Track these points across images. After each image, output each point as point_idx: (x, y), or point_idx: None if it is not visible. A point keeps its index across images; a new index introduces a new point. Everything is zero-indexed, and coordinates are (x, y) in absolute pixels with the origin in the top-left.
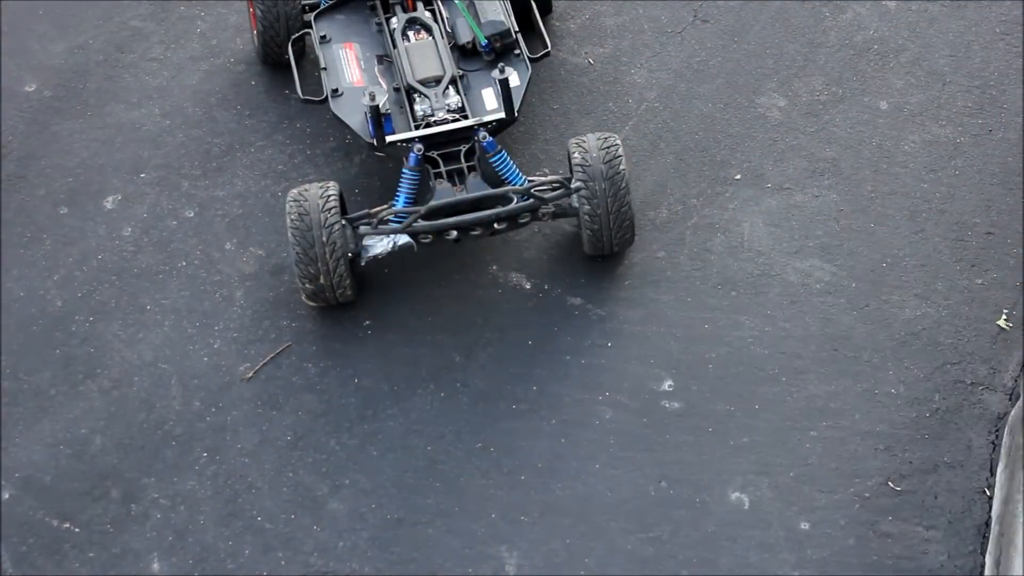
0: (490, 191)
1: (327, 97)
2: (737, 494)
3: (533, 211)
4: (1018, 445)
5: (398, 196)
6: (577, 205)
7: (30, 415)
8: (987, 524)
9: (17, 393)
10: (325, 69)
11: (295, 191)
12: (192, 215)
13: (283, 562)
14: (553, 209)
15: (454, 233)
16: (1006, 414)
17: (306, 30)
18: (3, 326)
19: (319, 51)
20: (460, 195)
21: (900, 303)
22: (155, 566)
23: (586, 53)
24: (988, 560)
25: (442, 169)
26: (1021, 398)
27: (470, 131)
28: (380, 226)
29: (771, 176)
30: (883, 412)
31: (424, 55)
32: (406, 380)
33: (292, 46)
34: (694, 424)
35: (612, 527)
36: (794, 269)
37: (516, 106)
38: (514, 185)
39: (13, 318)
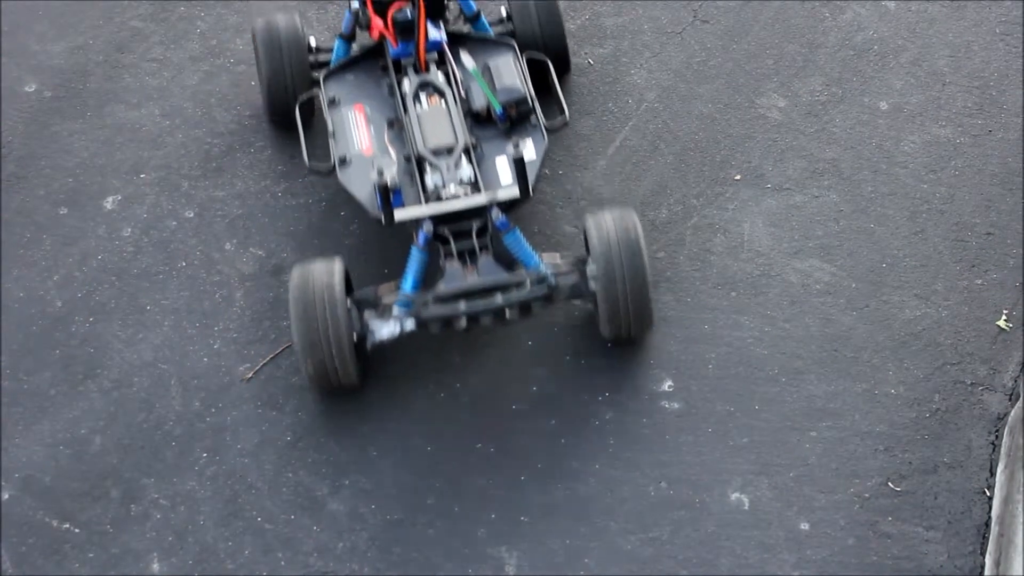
0: (503, 277)
1: (334, 167)
2: (737, 494)
3: (547, 298)
4: (1018, 445)
5: (406, 276)
6: (594, 288)
7: (30, 415)
8: (987, 524)
9: (17, 393)
10: (333, 135)
11: (299, 269)
12: (192, 215)
13: (283, 562)
14: (568, 294)
15: (463, 322)
16: (1006, 414)
17: (314, 91)
18: (3, 326)
19: (327, 115)
20: (471, 279)
21: (900, 303)
22: (155, 566)
23: (586, 53)
24: (988, 560)
25: (452, 248)
26: (1021, 398)
27: (483, 207)
28: (387, 314)
29: (771, 176)
30: (883, 412)
31: (436, 122)
32: (406, 380)
33: (300, 108)
34: (694, 424)
35: (612, 527)
36: (794, 269)
37: (532, 182)
38: (528, 268)
39: (13, 318)
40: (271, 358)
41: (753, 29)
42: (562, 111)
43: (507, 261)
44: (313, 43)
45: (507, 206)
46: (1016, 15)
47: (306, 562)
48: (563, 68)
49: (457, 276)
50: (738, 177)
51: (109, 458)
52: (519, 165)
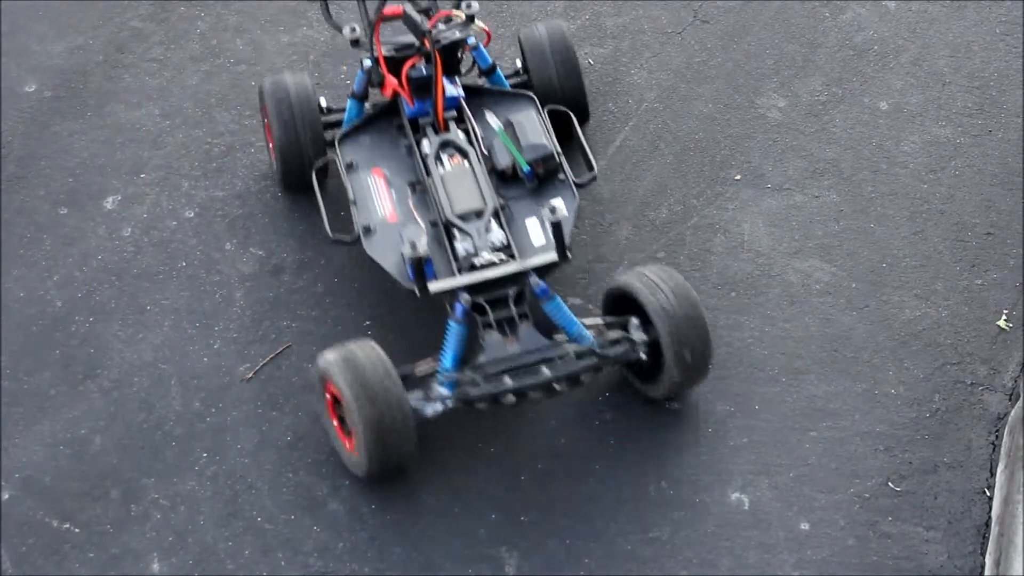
0: (549, 350)
1: (359, 236)
2: (737, 494)
3: (597, 369)
4: (1018, 445)
5: (445, 352)
6: (644, 355)
7: (30, 415)
8: (987, 524)
9: (17, 393)
10: (354, 203)
11: (332, 350)
12: (192, 215)
13: (283, 562)
14: (617, 362)
15: (511, 398)
16: (1006, 414)
17: (329, 156)
18: (3, 326)
19: (346, 181)
20: (512, 349)
21: (900, 303)
22: (155, 566)
23: (586, 53)
24: (988, 560)
25: (491, 318)
26: (1021, 398)
27: (519, 272)
28: (432, 395)
29: (771, 176)
30: (883, 412)
31: (462, 185)
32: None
33: (316, 174)
34: (694, 424)
35: (612, 527)
36: (794, 269)
37: (567, 242)
38: (570, 332)
39: (13, 318)
40: (271, 358)
41: (753, 29)
42: (589, 165)
43: (545, 326)
44: (324, 103)
45: (543, 270)
46: (1016, 15)
47: (306, 562)
48: (582, 117)
49: (498, 348)
50: (738, 177)
51: (109, 458)
52: (557, 229)
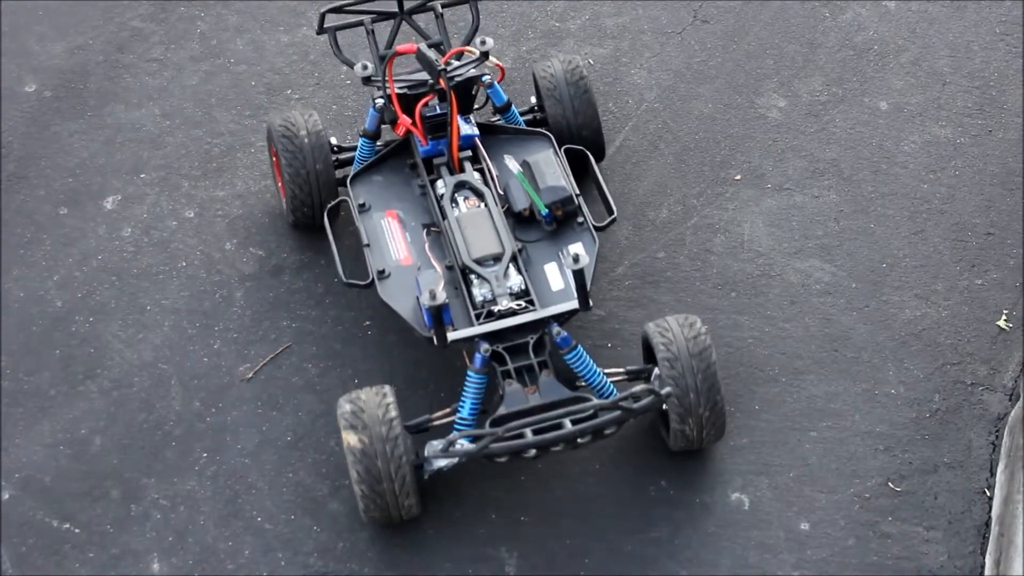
0: (572, 403)
1: (373, 280)
2: (737, 494)
3: (621, 422)
4: (1018, 445)
5: (463, 402)
6: (666, 406)
7: (30, 415)
8: (987, 524)
9: (17, 393)
10: (368, 246)
11: (348, 400)
12: (192, 215)
13: (283, 562)
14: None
15: (532, 451)
16: (1006, 414)
17: (341, 197)
18: (3, 326)
19: (359, 223)
20: (533, 400)
21: (900, 303)
22: (155, 566)
23: (586, 53)
24: (988, 560)
25: (510, 367)
26: (1021, 398)
27: (539, 320)
28: (451, 448)
29: (771, 176)
30: (883, 412)
31: (479, 229)
32: (406, 380)
33: (328, 215)
34: None
35: (612, 527)
36: (794, 269)
37: (588, 288)
38: (592, 383)
39: (13, 318)
40: (271, 358)
41: (753, 29)
42: (608, 208)
43: (566, 375)
44: (334, 141)
45: (563, 315)
46: (1016, 15)
47: (306, 562)
48: (599, 155)
49: (518, 398)
50: (738, 177)
51: (109, 458)
52: (579, 278)
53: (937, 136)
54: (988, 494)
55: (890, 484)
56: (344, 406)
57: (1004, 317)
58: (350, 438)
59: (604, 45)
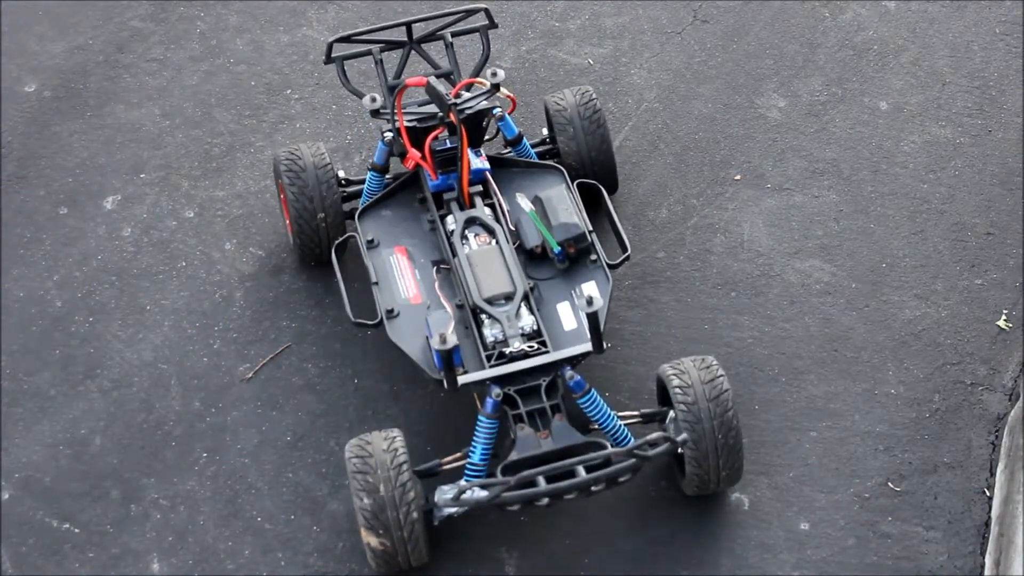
0: (586, 452)
1: (381, 320)
2: (737, 494)
3: (636, 469)
4: (1018, 445)
5: (474, 447)
6: (682, 450)
7: (30, 415)
8: (987, 524)
9: (17, 393)
10: (376, 284)
11: (355, 443)
12: (192, 215)
13: (283, 562)
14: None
15: (545, 500)
16: (1006, 414)
17: (349, 233)
18: (3, 326)
19: (367, 260)
20: (546, 445)
21: (900, 303)
22: (155, 566)
23: (586, 53)
24: (988, 560)
25: (522, 411)
26: (1021, 398)
27: (552, 363)
28: (463, 497)
29: (771, 176)
30: (883, 412)
31: (490, 267)
32: (406, 380)
33: (336, 251)
34: None
35: (612, 527)
36: (794, 269)
37: (603, 329)
38: (606, 428)
39: (13, 318)
40: (271, 358)
41: (753, 29)
42: (622, 245)
43: (579, 418)
44: (342, 174)
45: (577, 359)
46: (1016, 15)
47: (306, 562)
48: (611, 188)
49: (531, 443)
50: (738, 177)
51: (109, 458)
52: (593, 320)
53: (937, 136)
54: (988, 494)
55: (890, 484)
56: (350, 446)
57: (1004, 317)
58: (357, 483)
59: (604, 45)
